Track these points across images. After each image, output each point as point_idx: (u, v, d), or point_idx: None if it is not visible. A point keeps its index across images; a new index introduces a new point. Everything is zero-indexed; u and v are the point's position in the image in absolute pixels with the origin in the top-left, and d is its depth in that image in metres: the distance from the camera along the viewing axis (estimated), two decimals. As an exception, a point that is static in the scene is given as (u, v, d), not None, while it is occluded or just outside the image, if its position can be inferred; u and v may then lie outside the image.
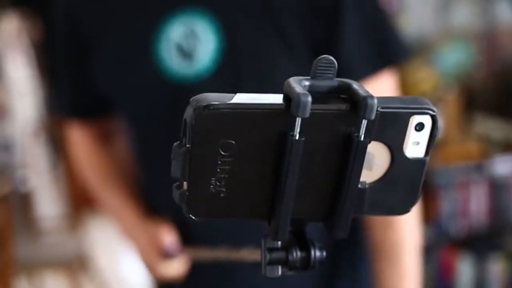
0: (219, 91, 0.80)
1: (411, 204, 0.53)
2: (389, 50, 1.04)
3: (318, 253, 0.52)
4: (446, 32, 2.73)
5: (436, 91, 2.51)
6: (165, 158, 0.99)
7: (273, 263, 0.53)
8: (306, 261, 0.53)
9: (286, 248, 0.53)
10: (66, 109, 1.21)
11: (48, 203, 3.25)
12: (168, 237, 1.05)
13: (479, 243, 2.62)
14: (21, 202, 3.15)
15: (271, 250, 0.53)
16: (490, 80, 2.75)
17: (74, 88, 1.17)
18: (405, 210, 0.52)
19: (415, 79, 2.50)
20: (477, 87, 2.74)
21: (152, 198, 1.13)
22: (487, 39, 2.75)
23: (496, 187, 2.58)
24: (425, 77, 2.51)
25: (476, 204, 2.57)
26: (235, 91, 0.84)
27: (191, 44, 1.00)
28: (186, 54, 1.01)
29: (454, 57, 2.63)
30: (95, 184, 1.20)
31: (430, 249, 2.53)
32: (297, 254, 0.52)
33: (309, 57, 0.96)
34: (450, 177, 2.51)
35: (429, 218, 2.51)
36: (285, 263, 0.53)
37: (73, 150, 1.23)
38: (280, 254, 0.53)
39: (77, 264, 3.06)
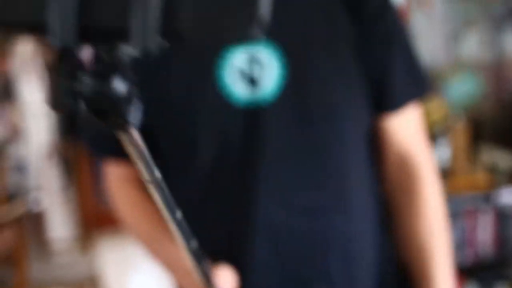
0: (284, 116, 0.90)
1: (248, 24, 0.42)
2: (420, 82, 1.11)
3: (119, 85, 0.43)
4: (455, 63, 2.77)
5: (445, 122, 2.54)
6: (234, 186, 0.98)
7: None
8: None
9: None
10: (104, 147, 1.14)
11: (60, 224, 3.29)
12: (229, 282, 1.00)
13: (485, 273, 2.63)
14: (33, 223, 3.19)
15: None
16: (497, 111, 2.78)
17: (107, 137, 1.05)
18: (242, 33, 0.42)
19: (425, 109, 2.54)
20: (485, 118, 2.77)
21: (208, 242, 0.98)
22: (495, 70, 2.79)
23: (502, 217, 2.60)
24: (435, 107, 2.54)
25: (483, 234, 2.59)
26: (299, 115, 0.93)
27: (254, 70, 1.02)
28: (250, 80, 1.03)
29: (462, 88, 2.67)
30: (142, 235, 1.14)
31: None
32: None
33: (362, 84, 1.04)
34: (457, 207, 2.53)
35: None
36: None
37: (112, 192, 1.18)
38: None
39: (88, 284, 3.09)
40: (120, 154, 1.03)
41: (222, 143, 1.03)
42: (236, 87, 1.00)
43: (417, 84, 1.10)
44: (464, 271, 2.63)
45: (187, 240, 0.80)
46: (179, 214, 0.76)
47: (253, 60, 1.03)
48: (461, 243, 2.57)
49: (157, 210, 0.99)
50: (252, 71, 1.02)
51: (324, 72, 1.03)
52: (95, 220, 2.99)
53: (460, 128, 2.59)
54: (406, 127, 1.10)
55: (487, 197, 2.57)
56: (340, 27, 1.03)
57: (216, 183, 1.06)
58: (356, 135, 1.06)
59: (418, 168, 1.10)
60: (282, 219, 1.04)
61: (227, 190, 1.06)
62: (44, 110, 3.36)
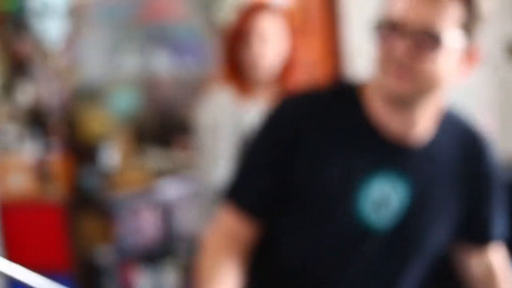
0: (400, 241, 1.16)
1: None
2: (502, 226, 1.39)
3: None
4: (116, 79, 3.18)
5: (108, 130, 2.92)
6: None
7: None
8: None
9: None
10: (252, 201, 1.25)
11: None
12: None
13: (155, 258, 3.09)
14: None
15: None
16: (155, 118, 3.28)
17: (258, 193, 1.25)
18: None
19: (86, 119, 2.88)
20: (147, 125, 3.24)
21: None
22: (150, 84, 3.28)
23: (165, 207, 3.09)
24: (96, 117, 2.90)
25: (150, 223, 3.04)
26: (399, 247, 1.17)
27: (385, 199, 1.22)
28: (379, 206, 1.22)
29: (124, 100, 3.08)
30: (210, 266, 1.24)
31: (110, 268, 2.92)
32: None
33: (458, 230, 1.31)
34: (126, 201, 2.94)
35: (109, 239, 2.91)
36: None
37: (210, 240, 1.28)
38: None
39: None
40: (261, 215, 1.24)
41: (330, 243, 1.25)
42: (368, 213, 1.22)
43: (500, 226, 1.38)
44: (136, 258, 3.06)
45: None
46: None
47: (386, 192, 1.23)
48: (131, 233, 2.99)
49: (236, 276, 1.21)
50: (383, 200, 1.23)
51: (437, 212, 1.28)
52: None
53: (124, 135, 3.00)
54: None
55: (151, 191, 3.05)
56: (457, 192, 1.29)
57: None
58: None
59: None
60: None
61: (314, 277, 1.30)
62: None
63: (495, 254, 1.37)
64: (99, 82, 3.12)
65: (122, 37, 3.19)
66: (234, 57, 2.05)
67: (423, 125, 1.22)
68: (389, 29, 1.13)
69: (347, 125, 1.24)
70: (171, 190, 3.14)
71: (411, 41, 1.11)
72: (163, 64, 3.30)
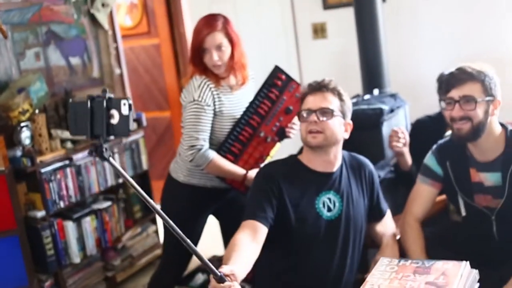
0: (342, 224, 2.32)
1: None
2: (386, 203, 2.52)
3: None
4: (27, 71, 3.47)
5: (27, 113, 3.25)
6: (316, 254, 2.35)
7: None
8: None
9: None
10: (255, 214, 2.16)
11: None
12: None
13: (76, 211, 3.55)
14: None
15: None
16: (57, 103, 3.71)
17: (267, 205, 2.18)
18: None
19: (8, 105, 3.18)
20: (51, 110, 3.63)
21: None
22: (49, 75, 3.63)
23: (78, 170, 3.57)
24: (15, 103, 3.16)
25: (69, 184, 3.53)
26: (347, 225, 2.34)
27: (331, 204, 2.28)
28: (329, 209, 2.28)
29: (36, 89, 3.36)
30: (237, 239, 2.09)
31: (45, 225, 3.33)
32: None
33: (368, 209, 2.43)
34: (49, 169, 3.38)
35: (41, 201, 3.35)
36: None
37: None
38: None
39: None
40: (267, 223, 2.19)
41: (313, 234, 2.25)
42: (324, 211, 2.28)
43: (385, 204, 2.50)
44: (63, 214, 3.49)
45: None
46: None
47: (331, 200, 2.29)
48: (57, 194, 3.44)
49: (250, 249, 2.09)
50: (331, 205, 2.28)
51: (357, 208, 2.33)
52: None
53: (40, 117, 3.37)
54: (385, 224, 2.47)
55: (67, 159, 3.51)
56: (365, 192, 2.39)
57: (303, 254, 2.28)
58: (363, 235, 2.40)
59: (390, 239, 2.40)
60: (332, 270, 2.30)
61: (311, 257, 2.29)
62: None
63: (387, 219, 2.45)
64: (14, 75, 3.43)
65: (26, 36, 3.51)
66: (202, 62, 2.62)
67: (335, 160, 2.31)
68: (306, 113, 2.27)
69: (300, 172, 2.30)
70: (80, 156, 3.60)
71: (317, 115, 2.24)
72: (57, 58, 3.74)
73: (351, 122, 2.36)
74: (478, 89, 2.17)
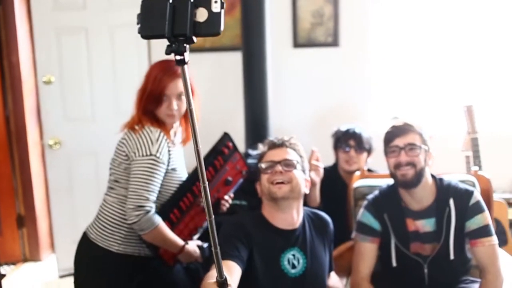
0: (307, 280, 2.23)
1: None
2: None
3: None
4: None
5: None
6: None
7: None
8: None
9: None
10: (228, 254, 2.00)
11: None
12: None
13: None
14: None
15: None
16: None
17: (237, 250, 2.04)
18: None
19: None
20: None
21: None
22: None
23: None
24: None
25: None
26: (312, 279, 2.25)
27: (295, 261, 2.19)
28: (294, 266, 2.18)
29: None
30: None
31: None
32: None
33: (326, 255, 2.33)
34: None
35: None
36: None
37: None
38: None
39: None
40: (239, 262, 2.02)
41: (271, 283, 2.15)
42: (289, 268, 2.18)
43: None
44: None
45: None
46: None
47: (295, 257, 2.20)
48: None
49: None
50: (295, 261, 2.19)
51: (321, 264, 2.26)
52: None
53: None
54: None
55: None
56: (326, 248, 2.32)
57: None
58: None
59: None
60: None
61: None
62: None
63: (332, 274, 2.42)
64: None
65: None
66: (153, 111, 2.33)
67: (298, 215, 2.23)
68: (269, 165, 2.23)
69: (265, 229, 2.22)
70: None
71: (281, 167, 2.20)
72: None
73: (309, 178, 2.37)
74: (419, 139, 2.39)
